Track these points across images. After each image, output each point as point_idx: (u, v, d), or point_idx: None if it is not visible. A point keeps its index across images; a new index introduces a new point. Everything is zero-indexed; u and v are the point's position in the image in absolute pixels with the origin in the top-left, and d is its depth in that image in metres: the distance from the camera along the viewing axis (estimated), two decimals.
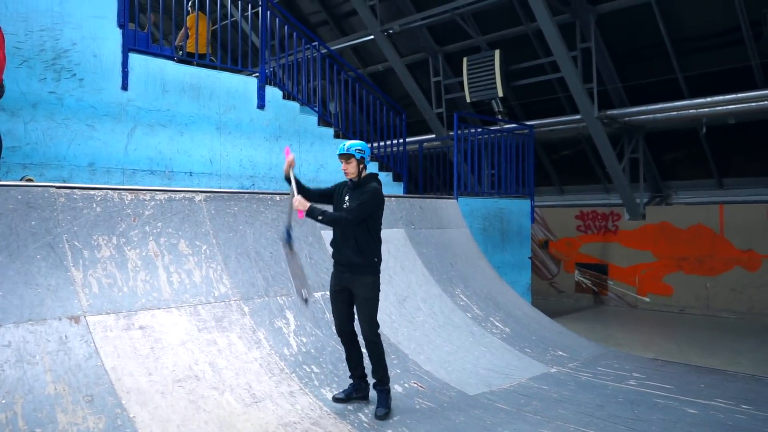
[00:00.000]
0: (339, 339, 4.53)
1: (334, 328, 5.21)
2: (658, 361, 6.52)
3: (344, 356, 4.54)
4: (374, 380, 4.41)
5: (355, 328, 4.46)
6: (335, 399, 4.40)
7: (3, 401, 3.37)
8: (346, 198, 4.39)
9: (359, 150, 4.36)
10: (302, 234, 5.90)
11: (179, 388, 3.99)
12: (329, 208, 4.39)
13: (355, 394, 4.46)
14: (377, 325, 4.37)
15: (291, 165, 4.33)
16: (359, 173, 4.39)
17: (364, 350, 4.48)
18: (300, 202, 4.15)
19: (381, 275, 4.45)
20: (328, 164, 7.96)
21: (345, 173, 4.41)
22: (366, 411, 4.35)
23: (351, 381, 4.52)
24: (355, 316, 4.45)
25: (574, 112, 10.45)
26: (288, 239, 4.35)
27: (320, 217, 4.15)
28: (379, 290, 4.41)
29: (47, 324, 3.87)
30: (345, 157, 4.37)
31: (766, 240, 9.55)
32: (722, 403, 4.90)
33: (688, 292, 10.32)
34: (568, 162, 12.41)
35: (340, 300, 4.43)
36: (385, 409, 4.30)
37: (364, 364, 4.53)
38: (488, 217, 8.63)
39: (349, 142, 4.40)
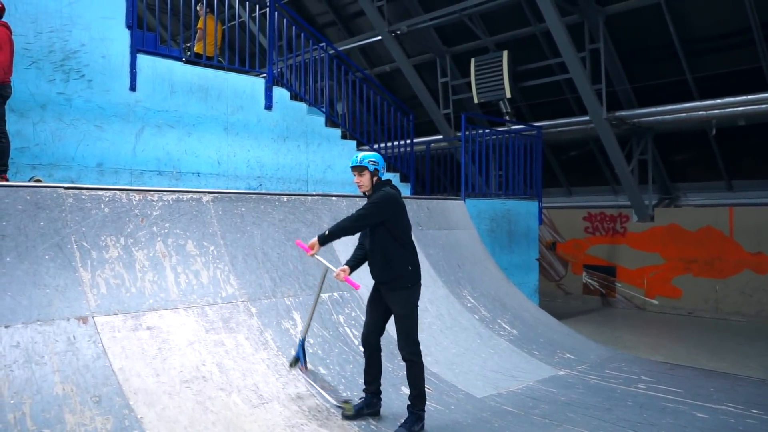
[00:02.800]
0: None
1: (340, 329, 5.23)
2: (667, 364, 6.48)
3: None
4: (408, 402, 4.16)
5: (380, 342, 4.29)
6: (345, 416, 4.17)
7: (12, 401, 3.38)
8: None
9: (372, 162, 4.16)
10: (310, 235, 5.87)
11: (186, 389, 3.99)
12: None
13: (366, 409, 4.25)
14: (417, 344, 4.09)
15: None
16: (373, 186, 4.20)
17: (381, 361, 4.32)
18: (314, 246, 4.10)
19: None
20: (335, 165, 7.96)
21: (358, 186, 4.21)
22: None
23: (363, 395, 4.31)
24: (385, 330, 4.28)
25: (583, 114, 10.41)
26: (301, 355, 4.25)
27: (327, 232, 4.08)
28: (416, 306, 4.13)
29: (55, 324, 3.88)
30: (358, 169, 4.17)
31: None
32: (732, 407, 4.86)
33: (697, 294, 10.24)
34: (576, 163, 12.35)
35: (375, 310, 4.22)
36: (406, 431, 4.01)
37: (380, 381, 4.33)
38: (495, 219, 8.60)
39: (361, 154, 4.21)
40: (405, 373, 4.19)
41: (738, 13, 8.66)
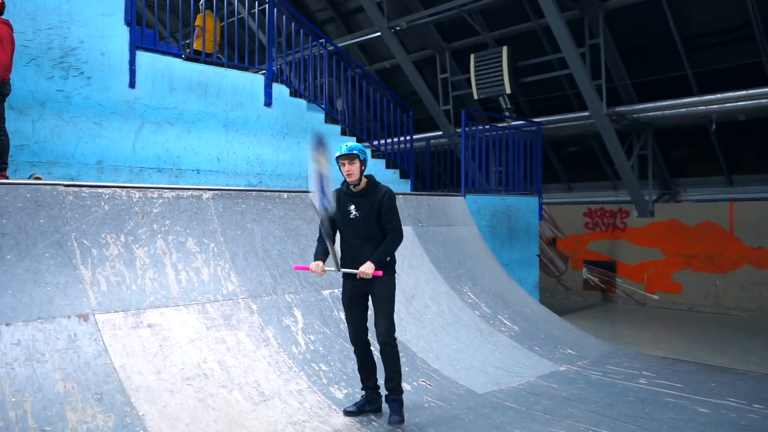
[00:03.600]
0: (350, 341, 4.28)
1: (341, 326, 5.23)
2: (668, 359, 6.48)
3: (356, 361, 4.30)
4: (386, 391, 4.19)
5: (370, 337, 4.26)
6: (346, 413, 4.18)
7: (13, 399, 3.38)
8: (352, 207, 4.18)
9: (362, 151, 4.18)
10: (310, 232, 5.88)
11: (188, 386, 3.98)
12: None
13: (367, 406, 4.25)
14: (394, 328, 4.14)
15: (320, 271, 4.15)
16: (361, 176, 4.20)
17: (377, 354, 4.28)
18: (368, 268, 3.99)
19: None
20: (334, 162, 7.93)
21: (348, 175, 4.16)
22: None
23: (363, 392, 4.31)
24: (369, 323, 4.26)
25: (583, 109, 10.39)
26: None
27: (388, 259, 4.11)
28: (395, 290, 4.22)
29: (56, 322, 3.87)
30: (349, 158, 4.14)
31: None
32: (734, 402, 4.86)
33: (697, 289, 10.25)
34: (576, 159, 12.35)
35: (357, 306, 4.20)
36: (399, 416, 4.09)
37: (377, 375, 4.32)
38: (496, 215, 8.59)
39: (349, 143, 4.19)
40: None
41: (738, 7, 8.65)
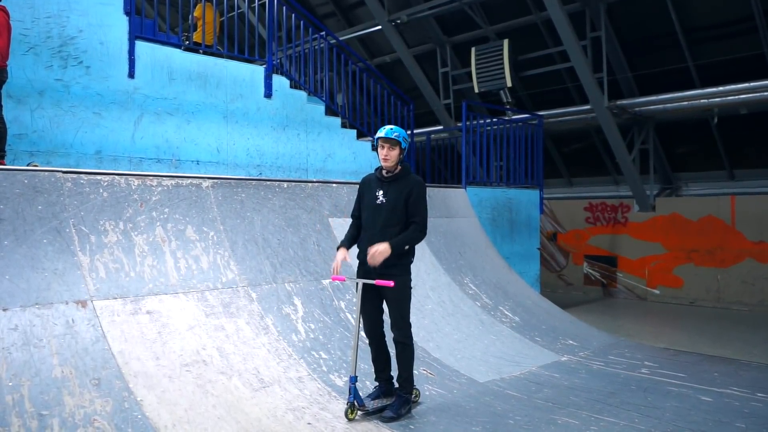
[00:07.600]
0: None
1: (341, 315, 5.20)
2: (670, 350, 6.45)
3: (370, 352, 4.19)
4: (396, 385, 4.16)
5: (386, 330, 4.19)
6: (363, 410, 4.00)
7: (10, 383, 3.35)
8: (380, 193, 4.06)
9: (405, 139, 4.03)
10: (310, 221, 5.85)
11: (187, 372, 3.95)
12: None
13: (383, 396, 4.17)
14: (409, 326, 4.08)
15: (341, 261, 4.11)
16: (397, 164, 4.07)
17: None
18: (381, 252, 3.87)
19: None
20: (335, 154, 7.91)
21: (384, 159, 4.01)
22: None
23: (377, 384, 4.24)
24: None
25: (584, 103, 10.36)
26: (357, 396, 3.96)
27: (407, 248, 3.98)
28: (410, 288, 4.11)
29: (54, 308, 3.84)
30: (391, 142, 3.97)
31: None
32: (737, 391, 4.83)
33: (698, 284, 10.21)
34: (576, 153, 12.31)
35: (369, 299, 4.09)
36: (393, 414, 3.96)
37: (392, 366, 4.23)
38: (497, 207, 8.55)
39: (393, 126, 4.02)
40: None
41: (740, 0, 8.60)
